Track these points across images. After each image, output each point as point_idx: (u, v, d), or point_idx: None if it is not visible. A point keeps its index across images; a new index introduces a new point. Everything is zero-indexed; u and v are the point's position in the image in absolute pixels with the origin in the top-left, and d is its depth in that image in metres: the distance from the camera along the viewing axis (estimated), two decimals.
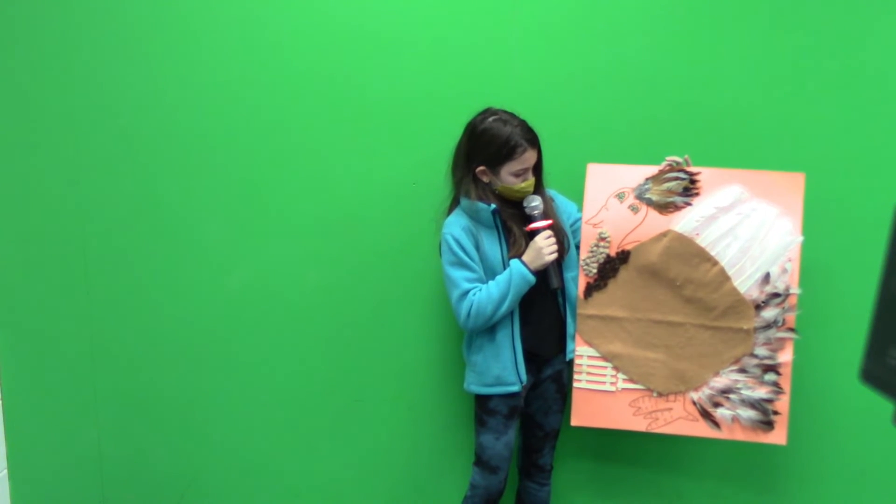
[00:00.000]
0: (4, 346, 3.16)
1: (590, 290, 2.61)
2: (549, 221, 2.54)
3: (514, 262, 2.49)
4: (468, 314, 2.50)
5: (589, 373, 2.63)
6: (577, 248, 2.64)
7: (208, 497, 3.24)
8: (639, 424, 2.62)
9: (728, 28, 2.75)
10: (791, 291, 2.50)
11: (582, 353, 2.63)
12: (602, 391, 2.63)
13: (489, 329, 2.57)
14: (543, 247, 2.48)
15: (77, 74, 2.94)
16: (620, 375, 2.61)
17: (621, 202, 2.58)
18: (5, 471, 3.22)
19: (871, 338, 0.88)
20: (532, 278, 2.48)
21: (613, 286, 2.59)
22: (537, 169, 2.56)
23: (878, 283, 0.87)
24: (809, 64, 2.74)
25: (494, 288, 2.48)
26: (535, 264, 2.48)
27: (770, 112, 2.77)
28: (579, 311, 2.62)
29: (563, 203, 2.71)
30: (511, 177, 2.48)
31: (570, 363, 2.68)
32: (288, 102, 2.92)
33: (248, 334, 3.10)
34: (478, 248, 2.54)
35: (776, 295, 2.50)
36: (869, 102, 2.73)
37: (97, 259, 3.07)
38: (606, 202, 2.58)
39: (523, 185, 2.50)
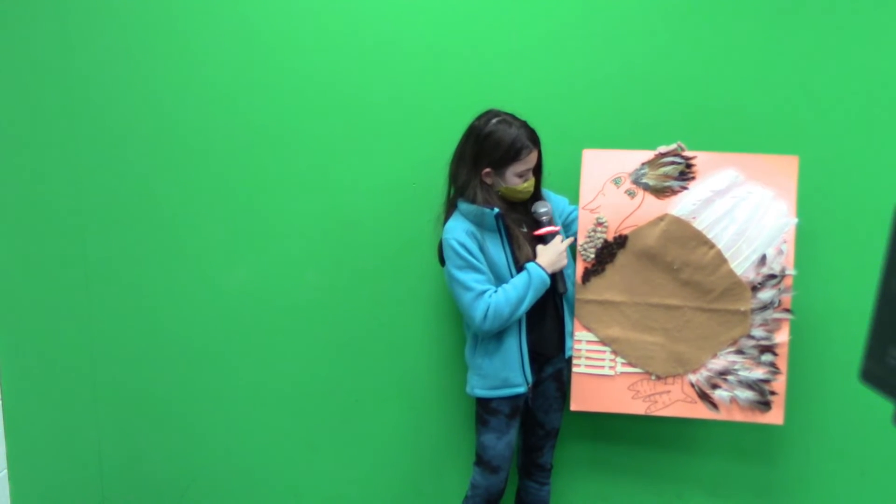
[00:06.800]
0: (4, 346, 3.16)
1: (588, 275, 2.62)
2: (558, 227, 2.58)
3: (533, 266, 2.49)
4: (485, 316, 2.47)
5: (588, 357, 2.64)
6: (575, 237, 2.65)
7: (208, 497, 3.24)
8: (638, 408, 2.63)
9: (727, 26, 2.76)
10: (787, 273, 2.53)
11: (581, 337, 2.64)
12: (601, 375, 2.64)
13: (496, 333, 2.56)
14: (563, 249, 2.52)
15: (77, 75, 2.96)
16: (619, 359, 2.62)
17: (618, 187, 2.60)
18: (5, 471, 3.21)
19: (871, 338, 0.88)
20: (549, 281, 2.50)
21: (611, 271, 2.61)
22: (537, 170, 2.58)
23: (878, 284, 0.87)
24: (809, 57, 2.75)
25: (512, 290, 2.47)
26: (554, 268, 2.51)
27: (774, 115, 2.78)
28: (577, 296, 2.64)
29: (554, 201, 2.72)
30: (515, 178, 2.50)
31: (570, 360, 2.69)
32: (287, 104, 2.93)
33: (248, 335, 3.10)
34: (482, 250, 2.53)
35: (772, 276, 2.53)
36: (870, 96, 2.75)
37: (97, 259, 3.08)
38: (603, 187, 2.60)
39: (525, 185, 2.52)
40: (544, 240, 2.55)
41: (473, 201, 2.52)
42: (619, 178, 2.60)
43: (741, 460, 2.99)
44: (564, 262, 2.53)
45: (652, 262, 2.58)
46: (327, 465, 3.18)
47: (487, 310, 2.46)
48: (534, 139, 2.50)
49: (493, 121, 2.50)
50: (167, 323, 3.11)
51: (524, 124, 2.50)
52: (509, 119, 2.50)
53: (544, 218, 2.56)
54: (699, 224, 2.55)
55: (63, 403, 3.19)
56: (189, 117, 2.97)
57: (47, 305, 3.13)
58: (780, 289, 2.53)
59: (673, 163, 2.57)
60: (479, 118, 2.55)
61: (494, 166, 2.50)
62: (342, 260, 3.02)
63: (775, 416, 2.58)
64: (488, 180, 2.52)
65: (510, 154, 2.46)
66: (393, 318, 3.04)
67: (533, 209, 2.57)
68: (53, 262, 3.09)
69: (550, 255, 2.51)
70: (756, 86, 2.77)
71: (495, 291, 2.49)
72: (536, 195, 2.61)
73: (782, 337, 2.54)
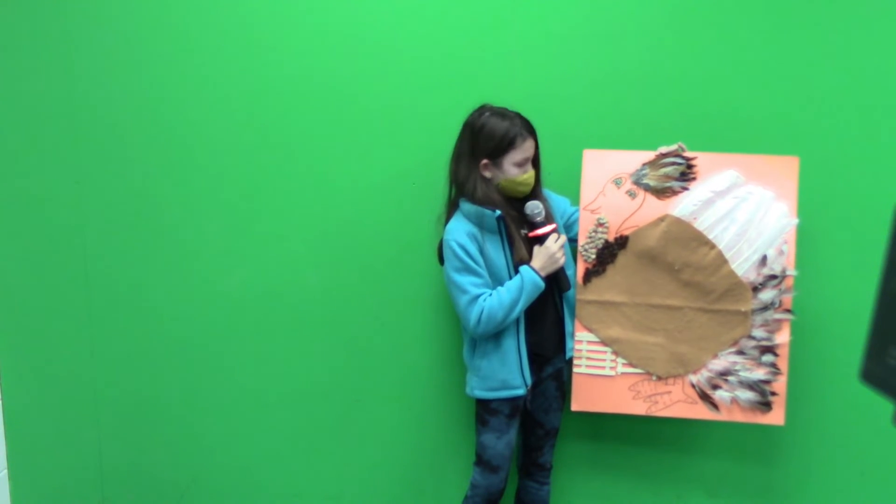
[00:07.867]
0: (4, 346, 3.16)
1: (588, 275, 2.62)
2: (554, 225, 2.55)
3: (525, 269, 2.49)
4: (478, 320, 2.47)
5: (589, 358, 2.64)
6: (576, 239, 2.65)
7: (208, 497, 3.24)
8: (638, 408, 2.63)
9: (727, 27, 2.76)
10: (788, 273, 2.53)
11: (581, 338, 2.64)
12: (602, 376, 2.64)
13: (494, 334, 2.56)
14: (555, 251, 2.49)
15: (78, 76, 2.96)
16: (620, 360, 2.62)
17: (619, 188, 2.59)
18: (5, 471, 3.21)
19: (871, 338, 0.87)
20: (543, 284, 2.49)
21: (612, 271, 2.61)
22: (535, 162, 2.58)
23: (878, 283, 0.86)
24: (810, 58, 2.75)
25: (506, 294, 2.46)
26: (548, 269, 2.49)
27: (774, 116, 2.78)
28: (578, 296, 2.63)
29: (556, 201, 2.72)
30: (513, 168, 2.49)
31: (570, 361, 2.68)
32: (287, 103, 2.93)
33: (248, 335, 3.10)
34: (482, 252, 2.53)
35: (773, 277, 2.52)
36: (870, 97, 2.75)
37: (97, 259, 3.08)
38: (604, 188, 2.60)
39: (525, 176, 2.51)
40: (540, 240, 2.53)
41: (474, 196, 2.52)
42: (620, 178, 2.60)
43: (741, 460, 2.98)
44: (560, 261, 2.51)
45: (653, 262, 2.58)
46: (327, 465, 3.18)
47: (481, 314, 2.46)
48: (528, 128, 2.51)
49: (486, 114, 2.52)
50: (167, 323, 3.11)
51: (517, 115, 2.52)
52: (502, 111, 2.52)
53: (538, 219, 2.54)
54: (700, 225, 2.54)
55: (63, 403, 3.19)
56: (189, 117, 2.97)
57: (47, 305, 3.13)
58: (780, 289, 2.53)
59: (674, 163, 2.57)
60: (472, 114, 2.56)
61: (491, 157, 2.50)
62: (342, 260, 3.01)
63: (776, 417, 2.58)
64: (487, 173, 2.52)
65: (505, 142, 2.47)
66: (393, 318, 3.04)
67: (526, 210, 2.54)
68: (53, 262, 3.09)
69: (542, 259, 2.50)
70: (757, 87, 2.77)
71: (490, 295, 2.48)
72: (536, 192, 2.60)
73: (783, 337, 2.55)
